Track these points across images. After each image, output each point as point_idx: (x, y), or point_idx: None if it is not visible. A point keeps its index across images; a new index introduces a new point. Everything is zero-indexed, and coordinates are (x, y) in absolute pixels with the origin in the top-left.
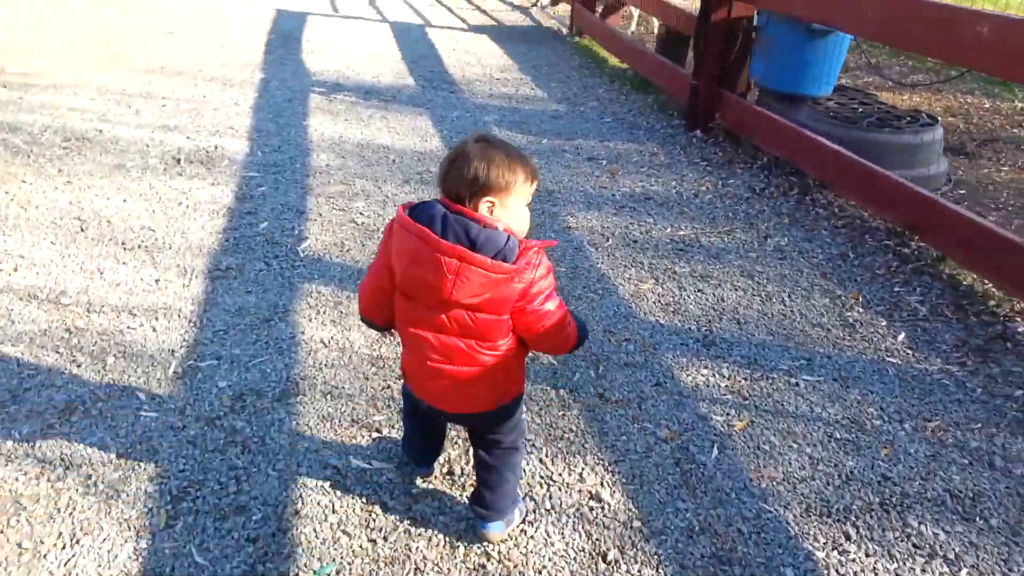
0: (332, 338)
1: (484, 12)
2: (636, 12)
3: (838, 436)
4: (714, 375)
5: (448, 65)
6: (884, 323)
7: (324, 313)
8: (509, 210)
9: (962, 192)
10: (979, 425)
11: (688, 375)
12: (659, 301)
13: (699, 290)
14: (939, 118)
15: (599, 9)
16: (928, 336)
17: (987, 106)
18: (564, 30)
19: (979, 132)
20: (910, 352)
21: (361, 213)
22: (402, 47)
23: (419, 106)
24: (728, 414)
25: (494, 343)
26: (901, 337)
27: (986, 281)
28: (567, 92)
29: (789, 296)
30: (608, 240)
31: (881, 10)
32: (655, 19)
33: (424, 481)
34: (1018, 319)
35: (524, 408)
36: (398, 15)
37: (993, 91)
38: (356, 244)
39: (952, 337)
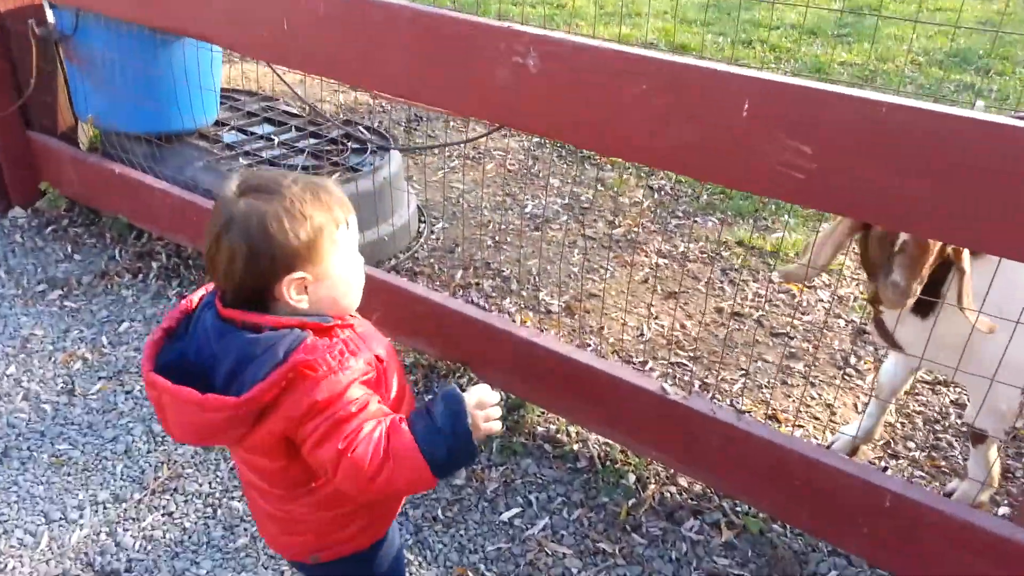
0: None
1: None
2: None
3: None
4: None
5: None
6: None
7: None
8: (332, 276)
9: (436, 235)
10: None
11: None
12: None
13: None
14: (387, 133)
15: None
16: None
17: None
18: None
19: (396, 108)
20: None
21: None
22: None
23: None
24: None
25: (280, 490)
26: None
27: (590, 431)
28: None
29: None
30: None
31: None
32: None
33: None
34: (689, 502)
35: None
36: None
37: None
38: None
39: None
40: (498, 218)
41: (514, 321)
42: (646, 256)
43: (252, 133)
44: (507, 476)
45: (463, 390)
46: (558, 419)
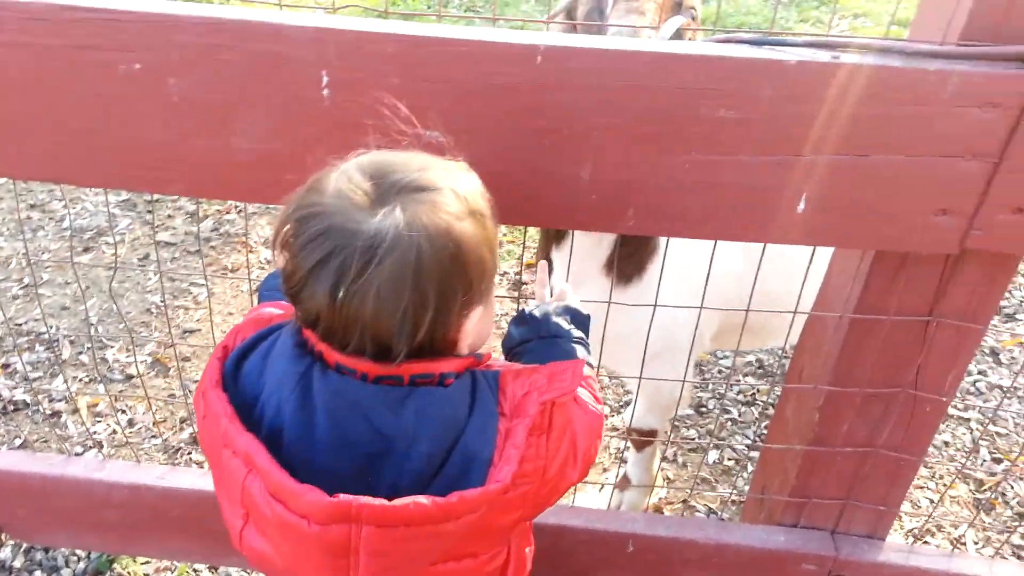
0: None
1: None
2: None
3: None
4: None
5: None
6: None
7: None
8: (491, 301)
9: None
10: None
11: None
12: None
13: None
14: None
15: None
16: None
17: None
18: None
19: None
20: None
21: None
22: None
23: None
24: None
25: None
26: None
27: None
28: None
29: None
30: None
31: None
32: None
33: None
34: None
35: None
36: None
37: None
38: None
39: None
40: (23, 247)
41: (76, 410)
42: (251, 251)
43: None
44: None
45: None
46: (174, 563)
